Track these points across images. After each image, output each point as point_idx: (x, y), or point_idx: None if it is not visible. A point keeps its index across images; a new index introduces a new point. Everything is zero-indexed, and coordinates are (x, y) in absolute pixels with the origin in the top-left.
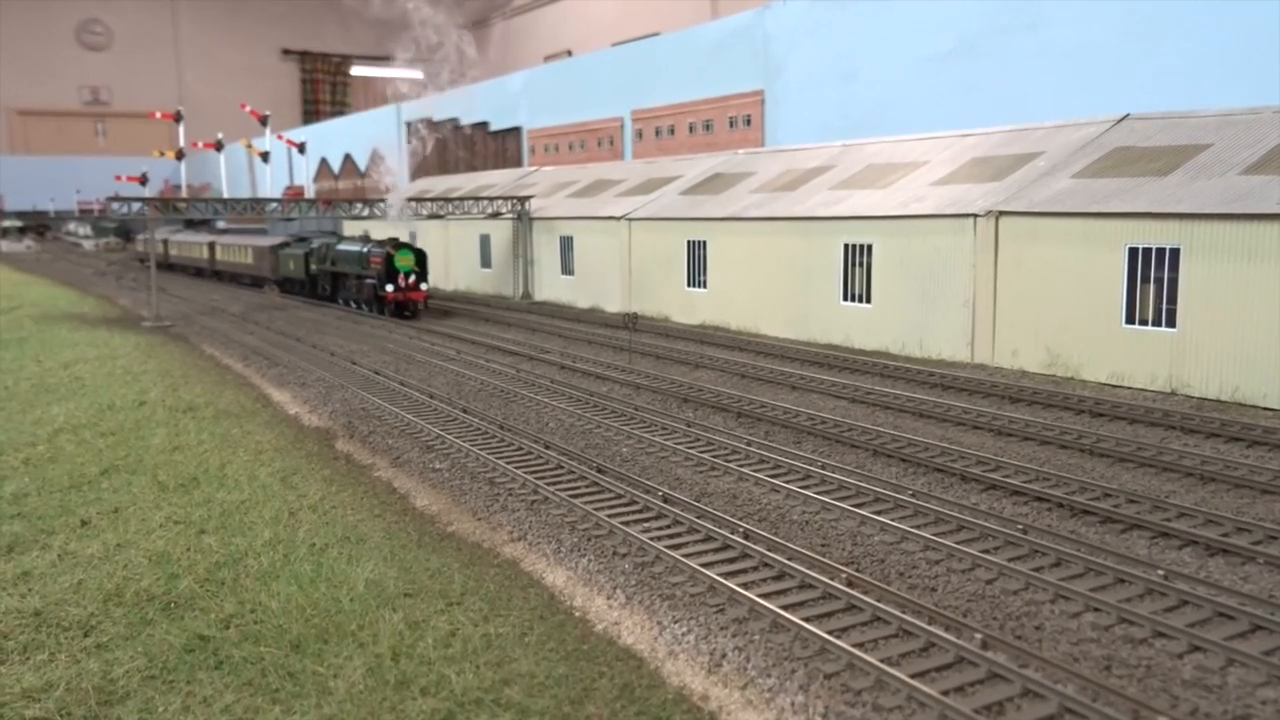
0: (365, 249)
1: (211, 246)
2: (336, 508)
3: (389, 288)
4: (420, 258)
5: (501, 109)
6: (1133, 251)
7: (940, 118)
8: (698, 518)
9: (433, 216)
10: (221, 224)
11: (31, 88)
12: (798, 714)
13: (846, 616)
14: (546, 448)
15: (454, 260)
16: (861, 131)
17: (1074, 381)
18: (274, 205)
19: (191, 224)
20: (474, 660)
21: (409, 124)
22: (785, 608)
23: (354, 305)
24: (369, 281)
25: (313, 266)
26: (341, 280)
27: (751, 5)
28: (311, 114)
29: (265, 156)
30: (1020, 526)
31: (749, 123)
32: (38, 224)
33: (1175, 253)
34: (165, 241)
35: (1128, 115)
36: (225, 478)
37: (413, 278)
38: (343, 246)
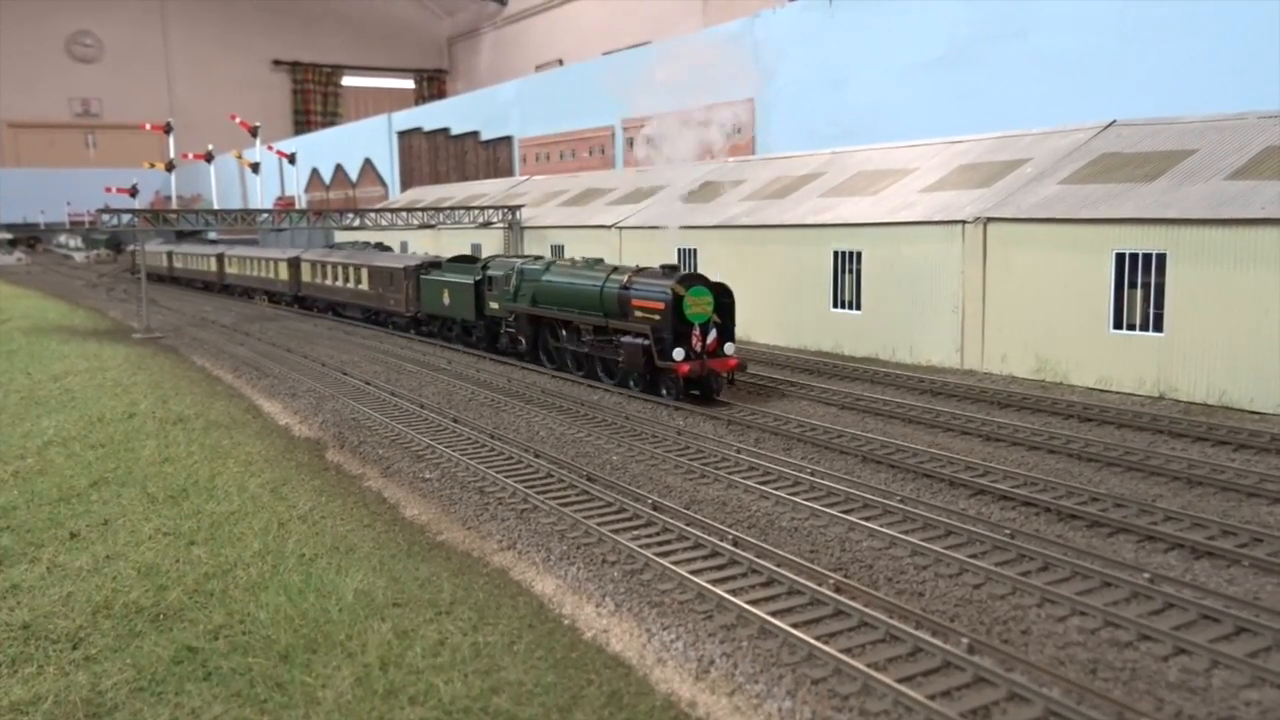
0: (621, 284)
1: (295, 265)
2: (326, 518)
3: (678, 353)
4: (723, 300)
5: (493, 118)
6: (1120, 257)
7: (929, 125)
8: (687, 525)
9: (424, 226)
10: (213, 235)
11: (22, 100)
12: None
13: (834, 622)
14: (537, 456)
15: None
16: (851, 139)
17: (1062, 386)
18: (265, 216)
19: (184, 235)
20: (462, 669)
21: (400, 134)
22: (773, 614)
23: (584, 372)
24: (634, 340)
25: (491, 304)
26: (558, 331)
27: (741, 13)
28: (303, 124)
29: (255, 167)
30: (1008, 531)
31: (739, 131)
32: (28, 236)
33: (1162, 258)
34: (221, 257)
35: (1114, 121)
36: (215, 489)
37: (713, 334)
38: (558, 277)
